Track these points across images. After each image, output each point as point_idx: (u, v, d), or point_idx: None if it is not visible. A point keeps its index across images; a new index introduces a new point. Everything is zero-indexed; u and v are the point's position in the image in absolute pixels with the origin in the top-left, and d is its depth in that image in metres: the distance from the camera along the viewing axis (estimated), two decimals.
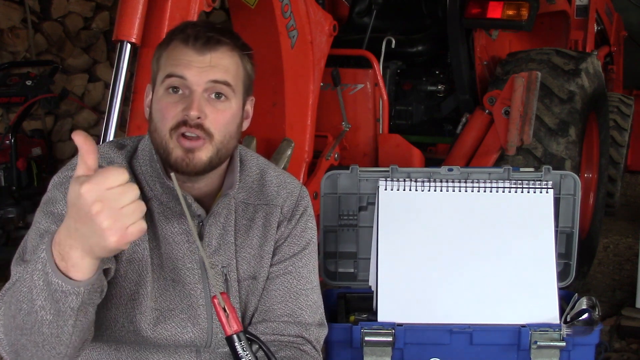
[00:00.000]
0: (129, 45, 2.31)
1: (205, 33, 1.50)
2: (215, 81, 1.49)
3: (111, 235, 1.18)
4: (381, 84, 3.63)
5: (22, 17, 4.94)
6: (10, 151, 4.08)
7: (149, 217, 1.56)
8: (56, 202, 1.48)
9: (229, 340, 1.36)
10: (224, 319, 1.35)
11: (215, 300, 1.35)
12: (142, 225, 1.20)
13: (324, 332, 1.72)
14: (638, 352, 3.26)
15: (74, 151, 5.30)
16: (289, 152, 2.99)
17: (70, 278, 1.24)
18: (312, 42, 3.18)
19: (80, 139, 1.19)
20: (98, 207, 1.16)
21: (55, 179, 1.55)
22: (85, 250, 1.22)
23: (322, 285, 2.03)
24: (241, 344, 1.35)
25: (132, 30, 2.29)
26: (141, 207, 1.19)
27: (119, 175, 1.17)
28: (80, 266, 1.24)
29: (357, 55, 3.71)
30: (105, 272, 1.44)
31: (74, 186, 1.18)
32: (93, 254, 1.23)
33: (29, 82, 4.14)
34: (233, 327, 1.35)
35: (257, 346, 1.42)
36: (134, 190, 1.18)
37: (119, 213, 1.17)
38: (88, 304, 1.30)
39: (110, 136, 2.28)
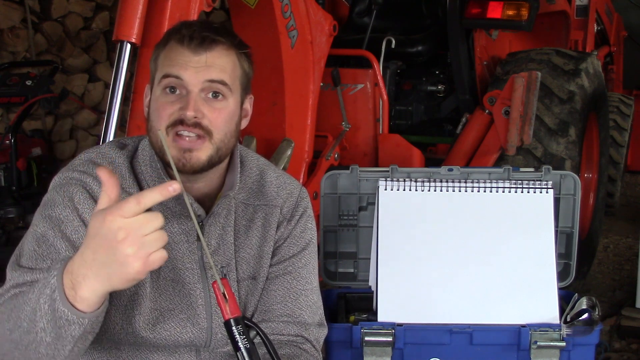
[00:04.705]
0: (129, 45, 2.31)
1: (201, 33, 1.50)
2: (212, 80, 1.50)
3: (134, 262, 1.19)
4: (381, 84, 3.63)
5: (22, 17, 4.93)
6: (10, 151, 4.07)
7: None
8: (55, 205, 1.49)
9: (227, 324, 1.36)
10: (222, 304, 1.35)
11: (215, 285, 1.35)
12: (164, 253, 1.21)
13: (323, 332, 1.72)
14: (638, 352, 3.26)
15: (74, 151, 5.32)
16: (289, 152, 2.99)
17: (77, 308, 1.25)
18: (312, 42, 3.18)
19: (105, 174, 1.21)
20: (122, 234, 1.17)
21: (55, 180, 1.55)
22: (101, 279, 1.23)
23: (322, 285, 2.03)
24: (238, 328, 1.35)
25: (132, 30, 2.29)
26: (164, 236, 1.21)
27: (138, 208, 1.18)
28: (89, 299, 1.25)
29: (357, 55, 3.71)
30: None
31: (97, 217, 1.20)
32: (109, 284, 1.24)
33: (29, 82, 4.14)
34: (231, 312, 1.35)
35: (254, 333, 1.43)
36: (158, 219, 1.19)
37: (143, 240, 1.18)
38: (89, 332, 1.32)
39: (110, 136, 2.28)
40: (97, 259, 1.21)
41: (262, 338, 1.44)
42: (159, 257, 1.20)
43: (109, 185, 1.22)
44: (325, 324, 1.73)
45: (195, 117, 1.47)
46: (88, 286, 1.24)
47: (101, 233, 1.19)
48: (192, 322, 1.58)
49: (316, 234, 1.76)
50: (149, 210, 1.20)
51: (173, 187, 1.18)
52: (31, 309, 1.29)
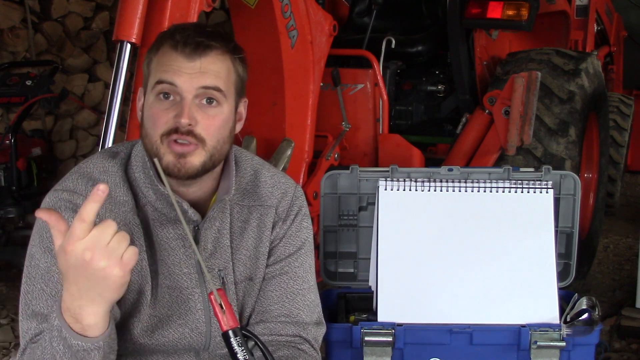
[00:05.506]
0: (129, 45, 2.31)
1: (195, 38, 1.48)
2: (206, 87, 1.49)
3: (112, 270, 1.25)
4: (381, 84, 3.63)
5: (22, 17, 4.93)
6: (10, 151, 4.07)
7: (144, 223, 1.56)
8: (50, 234, 1.48)
9: (225, 335, 1.36)
10: (220, 315, 1.36)
11: (212, 297, 1.35)
12: (134, 249, 1.28)
13: (322, 331, 1.72)
14: (638, 352, 3.26)
15: (74, 151, 5.32)
16: (289, 152, 2.99)
17: (88, 336, 1.30)
18: (312, 42, 3.18)
19: (44, 215, 1.27)
20: (88, 254, 1.24)
21: (46, 201, 1.53)
22: (96, 301, 1.29)
23: (322, 285, 2.03)
24: (237, 339, 1.36)
25: (132, 30, 2.29)
26: (124, 235, 1.27)
27: (85, 225, 1.24)
28: (95, 324, 1.31)
29: (357, 55, 3.71)
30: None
31: (60, 254, 1.26)
32: (105, 301, 1.30)
33: (29, 82, 4.13)
34: (229, 323, 1.35)
35: (253, 342, 1.43)
36: (110, 226, 1.26)
37: (108, 249, 1.25)
38: (109, 352, 1.36)
39: (110, 136, 2.27)
40: (81, 287, 1.27)
41: (260, 348, 1.44)
42: (130, 254, 1.27)
43: (53, 225, 1.27)
44: (324, 322, 1.73)
45: (189, 125, 1.47)
46: (89, 313, 1.29)
47: (71, 264, 1.25)
48: (190, 327, 1.58)
49: (312, 232, 1.75)
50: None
51: (101, 189, 1.24)
52: (50, 355, 1.34)
